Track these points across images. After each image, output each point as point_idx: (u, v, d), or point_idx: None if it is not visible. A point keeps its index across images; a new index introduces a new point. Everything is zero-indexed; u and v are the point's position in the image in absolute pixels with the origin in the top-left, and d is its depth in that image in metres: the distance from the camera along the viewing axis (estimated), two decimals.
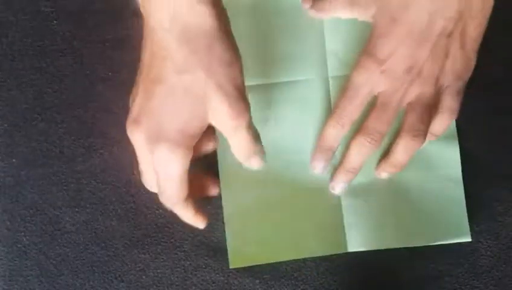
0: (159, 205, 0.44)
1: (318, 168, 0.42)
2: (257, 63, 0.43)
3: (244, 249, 0.42)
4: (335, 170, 0.42)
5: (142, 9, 0.34)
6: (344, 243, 0.42)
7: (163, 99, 0.33)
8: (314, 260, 0.43)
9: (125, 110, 0.44)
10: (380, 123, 0.39)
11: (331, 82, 0.43)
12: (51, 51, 0.45)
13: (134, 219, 0.44)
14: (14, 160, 0.44)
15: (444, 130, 0.41)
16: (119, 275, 0.44)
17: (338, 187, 0.42)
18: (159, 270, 0.44)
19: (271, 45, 0.43)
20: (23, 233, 0.44)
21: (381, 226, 0.42)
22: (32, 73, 0.45)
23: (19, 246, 0.44)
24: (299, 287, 0.43)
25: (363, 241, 0.42)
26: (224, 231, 0.43)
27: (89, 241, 0.44)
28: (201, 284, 0.44)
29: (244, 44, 0.35)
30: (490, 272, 0.43)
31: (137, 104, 0.34)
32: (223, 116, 0.33)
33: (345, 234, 0.42)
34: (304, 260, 0.43)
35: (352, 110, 0.39)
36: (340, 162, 0.42)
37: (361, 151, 0.40)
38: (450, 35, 0.37)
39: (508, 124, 0.44)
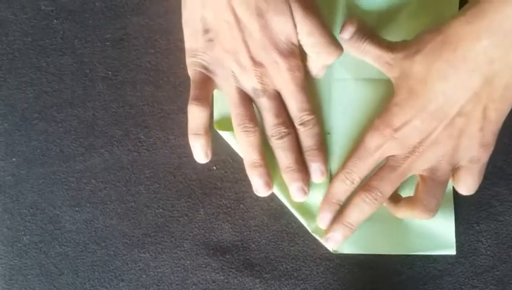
0: (159, 204, 0.44)
1: (324, 223, 0.42)
2: None
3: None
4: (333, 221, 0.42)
5: None
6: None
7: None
8: (314, 259, 0.43)
9: (125, 109, 0.44)
10: (383, 184, 0.39)
11: (334, 84, 0.43)
12: (51, 50, 0.45)
13: (135, 218, 0.44)
14: (14, 159, 0.44)
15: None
16: (119, 275, 0.44)
17: (331, 241, 0.41)
18: (159, 270, 0.44)
19: None
20: (23, 232, 0.44)
21: (367, 232, 0.42)
22: (32, 72, 0.45)
23: (19, 245, 0.44)
24: (299, 286, 0.43)
25: (346, 245, 0.42)
26: (224, 230, 0.43)
27: (89, 241, 0.44)
28: (201, 284, 0.44)
29: None
30: (490, 272, 0.43)
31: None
32: None
33: None
34: (304, 259, 0.43)
35: (362, 168, 0.40)
36: (339, 215, 0.41)
37: (361, 208, 0.40)
38: (467, 115, 0.37)
39: (508, 123, 0.44)
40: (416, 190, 0.40)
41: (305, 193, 0.41)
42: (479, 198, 0.43)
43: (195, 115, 0.40)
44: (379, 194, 0.39)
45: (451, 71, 0.36)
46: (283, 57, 0.38)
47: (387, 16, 0.42)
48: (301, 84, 0.40)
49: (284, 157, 0.41)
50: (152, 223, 0.44)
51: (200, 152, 0.40)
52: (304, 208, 0.43)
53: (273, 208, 0.43)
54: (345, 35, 0.40)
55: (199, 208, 0.44)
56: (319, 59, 0.40)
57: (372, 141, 0.39)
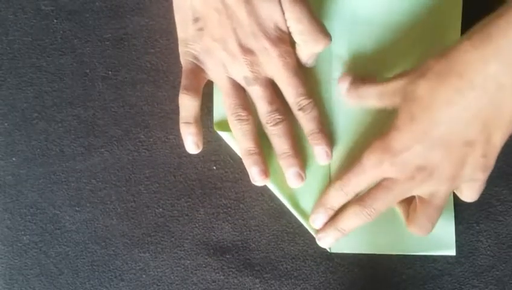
0: (159, 204, 0.44)
1: (318, 224, 0.42)
2: None
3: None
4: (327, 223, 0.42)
5: None
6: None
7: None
8: (314, 259, 0.43)
9: (125, 109, 0.44)
10: (377, 203, 0.39)
11: (333, 83, 0.43)
12: (51, 50, 0.45)
13: (135, 218, 0.44)
14: (14, 159, 0.45)
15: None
16: (119, 274, 0.44)
17: (324, 241, 0.42)
18: (159, 269, 0.44)
19: None
20: (23, 232, 0.44)
21: (367, 231, 0.42)
22: (32, 72, 0.45)
23: (19, 245, 0.44)
24: (299, 286, 0.43)
25: (346, 244, 0.43)
26: (224, 230, 0.43)
27: (89, 240, 0.44)
28: (201, 283, 0.44)
29: None
30: (490, 272, 0.43)
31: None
32: None
33: None
34: (304, 259, 0.43)
35: (356, 184, 0.40)
36: (333, 218, 0.41)
37: (355, 219, 0.40)
38: (471, 144, 0.36)
39: None
40: (413, 209, 0.40)
41: (302, 179, 0.41)
42: (479, 198, 0.43)
43: (186, 105, 0.40)
44: (373, 210, 0.39)
45: (457, 97, 0.35)
46: (272, 44, 0.38)
47: (389, 45, 0.42)
48: (293, 69, 0.40)
49: (279, 143, 0.41)
50: (152, 222, 0.44)
51: (190, 142, 0.40)
52: (302, 209, 0.43)
53: (273, 208, 0.43)
54: (342, 89, 0.41)
55: (199, 208, 0.44)
56: (306, 47, 0.39)
57: (370, 161, 0.39)
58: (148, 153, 0.44)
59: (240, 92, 0.40)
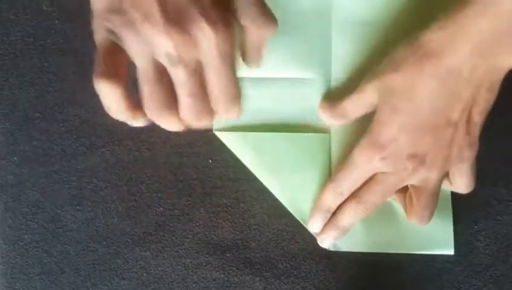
0: (160, 203, 0.44)
1: (316, 228, 0.42)
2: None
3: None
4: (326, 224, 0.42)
5: None
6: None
7: None
8: (313, 257, 0.44)
9: None
10: (374, 197, 0.39)
11: (333, 83, 0.43)
12: (53, 50, 0.45)
13: (136, 217, 0.44)
14: (15, 158, 0.45)
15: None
16: (120, 273, 0.44)
17: (326, 242, 0.42)
18: (159, 268, 0.44)
19: (276, 40, 0.43)
20: (24, 231, 0.44)
21: (366, 230, 0.43)
22: (34, 72, 0.45)
23: (21, 244, 0.44)
24: (299, 284, 0.44)
25: (346, 243, 0.43)
26: (224, 229, 0.44)
27: (90, 239, 0.44)
28: (202, 282, 0.44)
29: None
30: (489, 271, 0.43)
31: None
32: None
33: None
34: (304, 257, 0.44)
35: (350, 183, 0.40)
36: (332, 218, 0.41)
37: (352, 215, 0.40)
38: (455, 125, 0.36)
39: (507, 122, 0.44)
40: (409, 200, 0.40)
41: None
42: (477, 197, 0.43)
43: (107, 95, 0.33)
44: (369, 205, 0.39)
45: (437, 84, 0.35)
46: (212, 25, 0.31)
47: (389, 45, 0.42)
48: (230, 59, 0.32)
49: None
50: (153, 221, 0.44)
51: (134, 123, 0.35)
52: (302, 210, 0.43)
53: (273, 207, 0.44)
54: (324, 116, 0.41)
55: (200, 207, 0.44)
56: (258, 30, 0.34)
57: (360, 159, 0.39)
58: (149, 153, 0.44)
59: (165, 78, 0.32)
